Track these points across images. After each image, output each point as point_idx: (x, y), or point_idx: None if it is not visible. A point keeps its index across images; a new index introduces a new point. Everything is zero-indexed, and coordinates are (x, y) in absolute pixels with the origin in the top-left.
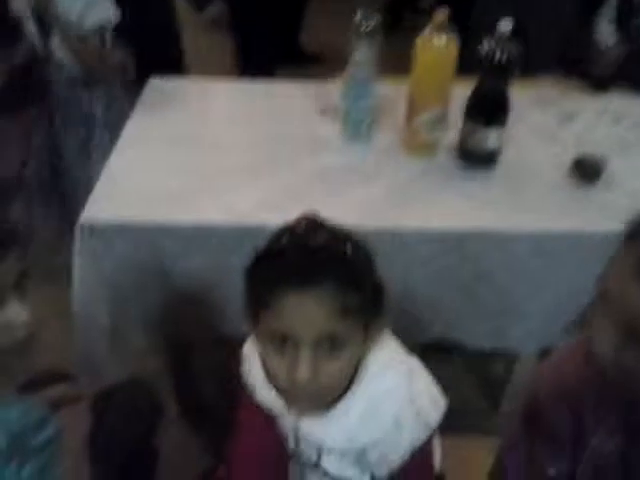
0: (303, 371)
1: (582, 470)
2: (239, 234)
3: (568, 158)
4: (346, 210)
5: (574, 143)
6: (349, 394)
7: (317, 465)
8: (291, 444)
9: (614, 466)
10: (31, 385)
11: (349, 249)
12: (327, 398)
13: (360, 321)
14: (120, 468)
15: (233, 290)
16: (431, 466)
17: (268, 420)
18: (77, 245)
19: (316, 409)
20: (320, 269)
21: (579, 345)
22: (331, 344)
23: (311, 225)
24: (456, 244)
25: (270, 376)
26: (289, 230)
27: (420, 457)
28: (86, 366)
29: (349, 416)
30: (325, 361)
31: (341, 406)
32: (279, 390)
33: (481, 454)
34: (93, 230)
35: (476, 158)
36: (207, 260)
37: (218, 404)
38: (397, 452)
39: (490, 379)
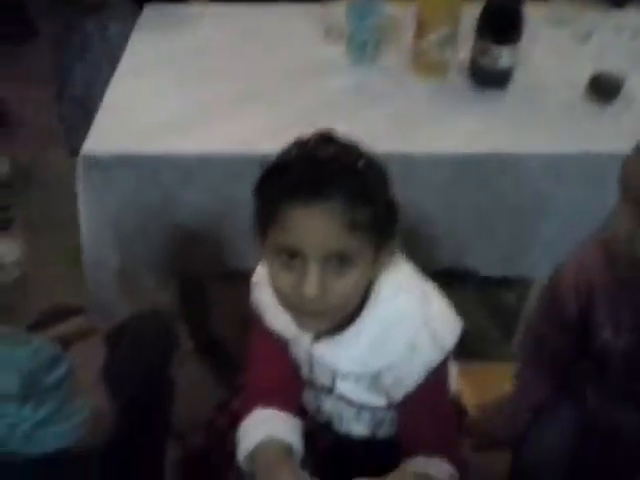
0: (311, 286)
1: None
2: (244, 162)
3: (584, 77)
4: (353, 134)
5: (591, 61)
6: (361, 317)
7: (332, 390)
8: (305, 370)
9: (619, 360)
10: (44, 321)
11: (360, 162)
12: (336, 317)
13: (371, 239)
14: (136, 398)
15: (240, 221)
16: (447, 387)
17: (281, 347)
18: (80, 179)
19: (325, 328)
20: (329, 181)
21: (602, 242)
22: (340, 261)
23: (322, 138)
24: (467, 167)
25: (279, 295)
26: (299, 144)
27: (435, 378)
28: (98, 308)
29: (360, 339)
30: (333, 277)
31: (352, 329)
32: (288, 308)
33: (496, 378)
34: (96, 162)
35: (488, 77)
36: (213, 191)
37: (231, 337)
38: (412, 376)
39: (502, 308)
